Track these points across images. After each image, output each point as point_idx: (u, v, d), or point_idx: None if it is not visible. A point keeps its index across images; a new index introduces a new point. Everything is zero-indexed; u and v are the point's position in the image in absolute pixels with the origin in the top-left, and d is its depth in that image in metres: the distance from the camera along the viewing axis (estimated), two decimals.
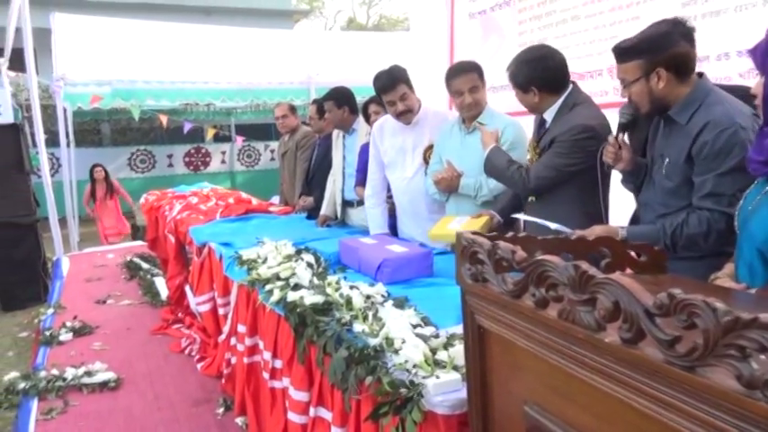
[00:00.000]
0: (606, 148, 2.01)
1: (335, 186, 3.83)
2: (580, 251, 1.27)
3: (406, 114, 2.94)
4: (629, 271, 1.33)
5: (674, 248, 1.78)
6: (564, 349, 0.94)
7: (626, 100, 1.91)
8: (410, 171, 3.03)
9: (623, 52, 1.82)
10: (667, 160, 1.82)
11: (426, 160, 2.96)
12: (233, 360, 3.14)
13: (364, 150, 3.55)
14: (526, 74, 2.27)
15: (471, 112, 2.67)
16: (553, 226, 2.02)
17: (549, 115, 2.32)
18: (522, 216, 2.33)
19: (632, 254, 1.35)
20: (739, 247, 1.51)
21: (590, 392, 0.90)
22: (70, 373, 3.62)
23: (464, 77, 2.63)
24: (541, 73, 2.26)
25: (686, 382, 0.72)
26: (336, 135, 3.89)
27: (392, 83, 2.88)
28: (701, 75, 1.82)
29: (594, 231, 1.87)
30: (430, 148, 2.95)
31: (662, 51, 1.74)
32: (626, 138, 2.01)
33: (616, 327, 0.82)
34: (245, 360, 2.82)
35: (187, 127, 8.96)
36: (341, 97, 3.71)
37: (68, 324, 4.64)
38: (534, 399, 1.04)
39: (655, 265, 1.33)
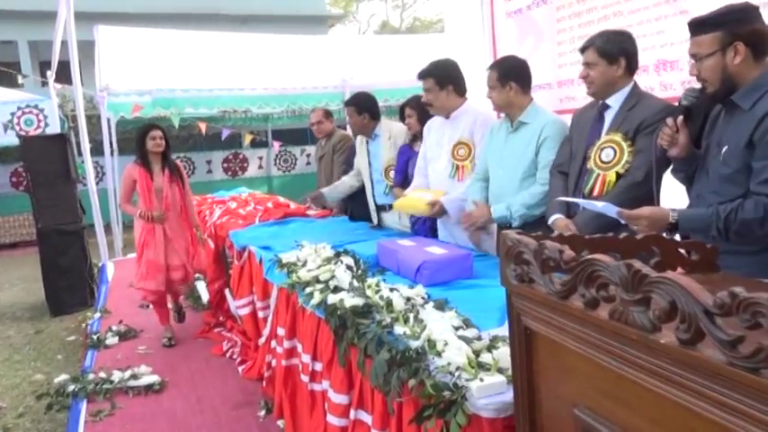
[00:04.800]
0: (663, 131, 1.94)
1: (368, 193, 3.85)
2: (628, 250, 1.23)
3: (428, 106, 3.07)
4: (679, 270, 1.29)
5: (726, 235, 1.71)
6: (616, 351, 0.91)
7: (677, 91, 1.86)
8: (442, 164, 3.09)
9: (702, 23, 1.77)
10: (726, 148, 1.76)
11: (454, 156, 2.97)
12: (273, 363, 3.17)
13: (403, 152, 3.56)
14: (620, 44, 2.22)
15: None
16: (600, 204, 1.97)
17: (614, 101, 2.25)
18: (566, 198, 2.28)
19: (683, 252, 1.30)
20: None
21: (644, 395, 0.87)
22: (117, 376, 3.72)
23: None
24: (631, 48, 2.24)
25: (751, 384, 0.68)
26: (360, 141, 3.93)
27: (421, 74, 3.02)
28: None
29: (643, 212, 1.82)
30: (458, 144, 2.98)
31: (744, 24, 1.70)
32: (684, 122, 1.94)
33: (672, 327, 0.79)
34: (284, 362, 2.84)
35: (225, 134, 9.08)
36: (361, 104, 3.77)
37: (114, 328, 4.76)
38: (584, 402, 1.01)
39: (706, 263, 1.28)
